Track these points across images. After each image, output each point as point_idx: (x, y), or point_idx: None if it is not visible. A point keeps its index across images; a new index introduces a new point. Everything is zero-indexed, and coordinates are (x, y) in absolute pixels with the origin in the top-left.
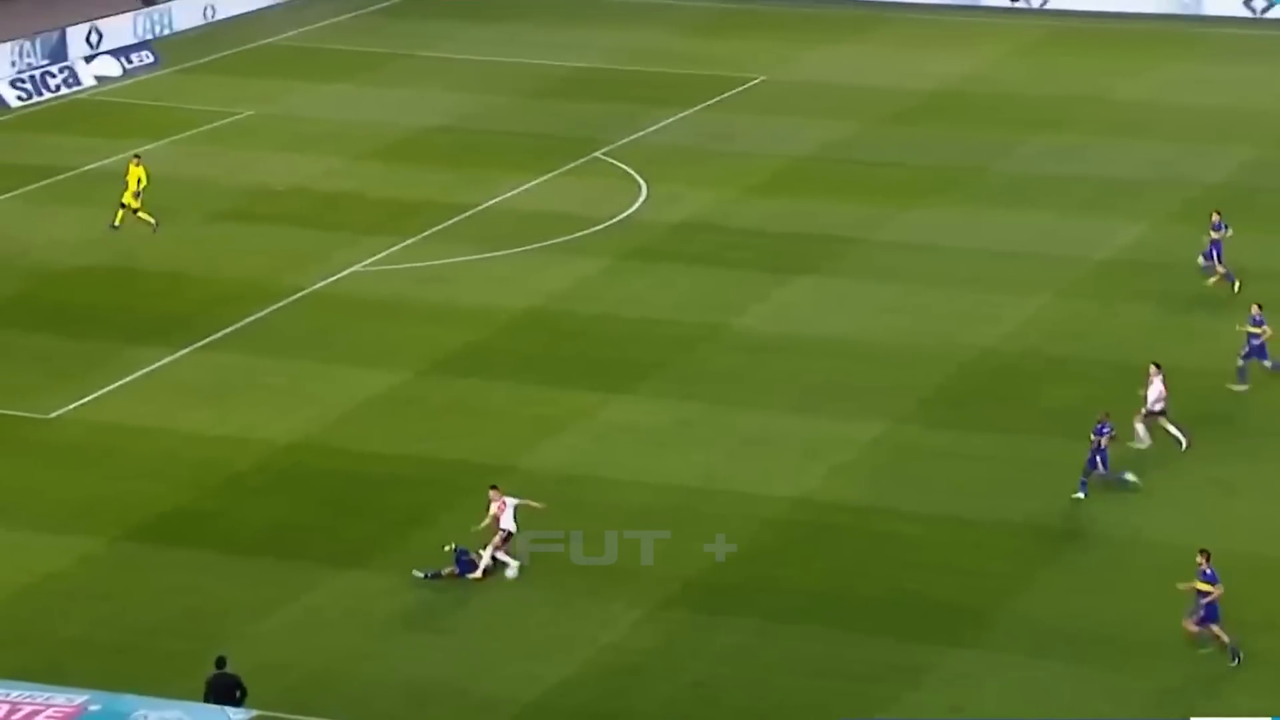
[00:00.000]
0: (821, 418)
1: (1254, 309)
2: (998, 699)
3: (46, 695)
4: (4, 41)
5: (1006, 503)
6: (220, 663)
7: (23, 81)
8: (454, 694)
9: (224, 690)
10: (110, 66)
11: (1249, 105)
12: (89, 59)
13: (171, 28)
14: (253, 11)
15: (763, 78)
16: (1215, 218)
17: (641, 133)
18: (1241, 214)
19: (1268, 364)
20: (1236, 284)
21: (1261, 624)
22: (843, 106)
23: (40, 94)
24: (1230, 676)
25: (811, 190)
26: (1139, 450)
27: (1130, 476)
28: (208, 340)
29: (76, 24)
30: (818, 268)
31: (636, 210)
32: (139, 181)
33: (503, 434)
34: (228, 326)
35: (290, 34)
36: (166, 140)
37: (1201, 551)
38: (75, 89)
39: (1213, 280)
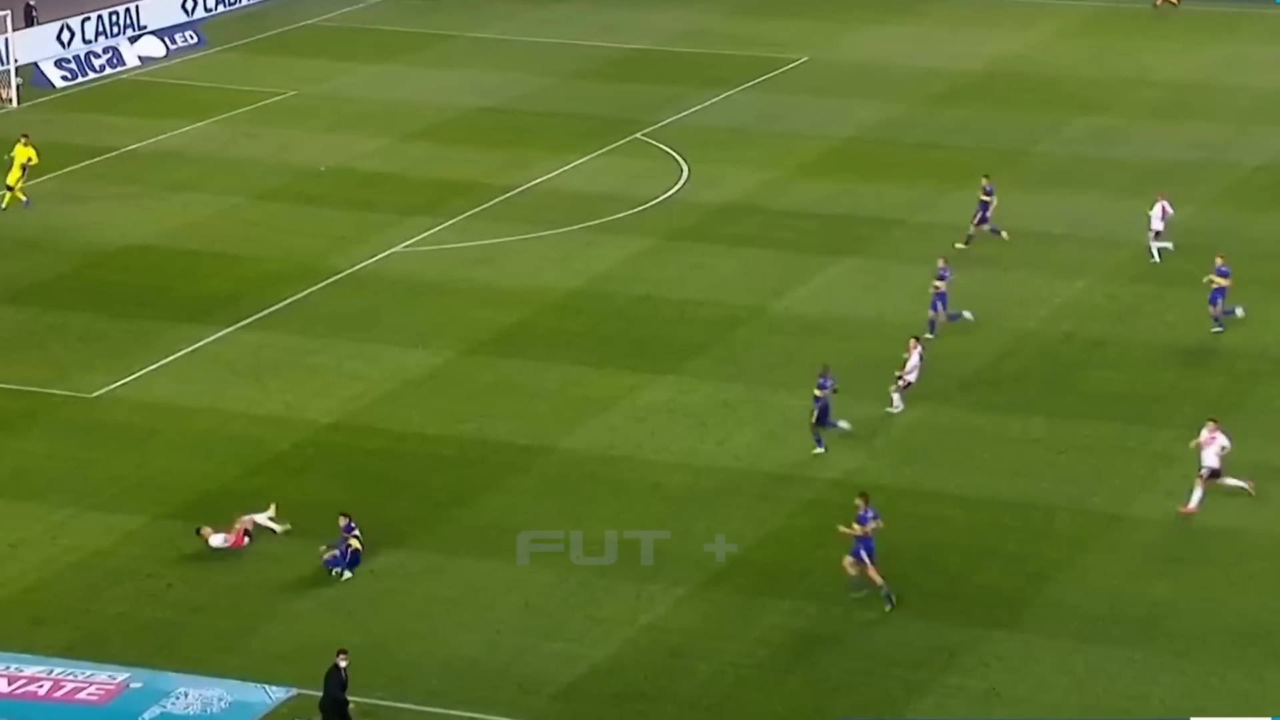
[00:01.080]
0: (862, 399)
1: (939, 262)
2: (1036, 682)
3: (88, 673)
4: (49, 22)
5: (1045, 486)
6: (340, 652)
7: (67, 62)
8: (494, 673)
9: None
10: (154, 47)
11: None
12: (133, 39)
13: (216, 7)
14: None
15: (806, 58)
16: (985, 182)
17: (684, 113)
18: None
19: (944, 315)
20: (1004, 234)
21: None
22: (886, 87)
23: (85, 74)
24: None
25: (854, 172)
26: (891, 414)
27: (844, 424)
28: (251, 319)
29: (121, 5)
30: (860, 250)
31: (678, 191)
32: (29, 160)
33: (545, 414)
34: (271, 306)
35: (334, 14)
36: (210, 120)
37: (860, 494)
38: (120, 69)
39: (964, 245)
